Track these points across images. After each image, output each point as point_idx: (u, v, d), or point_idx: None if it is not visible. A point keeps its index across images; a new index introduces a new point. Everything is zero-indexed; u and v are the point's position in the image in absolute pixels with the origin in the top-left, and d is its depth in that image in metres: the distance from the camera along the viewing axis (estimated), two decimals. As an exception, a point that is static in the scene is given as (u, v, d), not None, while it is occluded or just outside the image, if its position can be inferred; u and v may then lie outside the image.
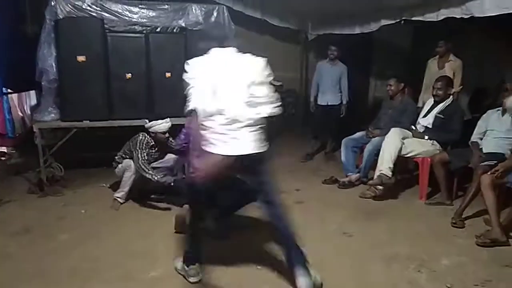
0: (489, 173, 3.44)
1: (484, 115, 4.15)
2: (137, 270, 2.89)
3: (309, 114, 6.44)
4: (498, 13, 3.58)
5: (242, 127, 2.49)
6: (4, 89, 5.66)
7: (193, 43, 4.74)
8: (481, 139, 4.07)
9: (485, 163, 3.68)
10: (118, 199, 4.00)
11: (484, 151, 3.91)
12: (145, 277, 2.82)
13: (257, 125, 2.54)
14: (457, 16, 3.98)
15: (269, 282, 2.76)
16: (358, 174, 4.78)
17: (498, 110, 3.98)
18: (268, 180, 2.67)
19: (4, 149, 5.63)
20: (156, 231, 3.50)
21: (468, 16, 3.85)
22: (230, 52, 2.59)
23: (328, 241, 3.40)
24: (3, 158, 5.42)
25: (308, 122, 7.63)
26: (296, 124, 7.71)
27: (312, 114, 6.16)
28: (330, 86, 5.80)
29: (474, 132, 4.15)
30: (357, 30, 5.73)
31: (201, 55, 2.56)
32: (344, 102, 5.86)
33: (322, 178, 4.97)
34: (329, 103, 5.83)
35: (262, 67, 2.56)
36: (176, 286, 2.71)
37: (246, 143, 2.50)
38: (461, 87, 5.01)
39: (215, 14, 5.07)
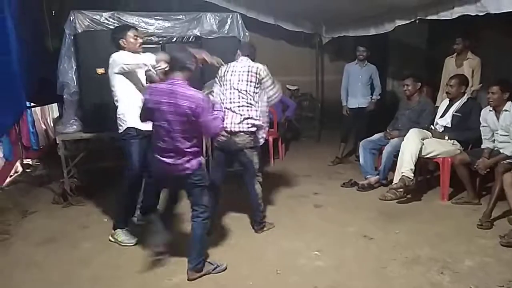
0: (511, 171, 3.37)
1: (480, 118, 4.09)
2: (158, 277, 2.94)
3: (327, 117, 6.35)
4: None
5: None
6: (27, 103, 5.86)
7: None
8: (493, 141, 4.00)
9: (507, 161, 3.61)
10: None
11: (508, 153, 3.79)
12: (166, 284, 2.86)
13: None
14: (472, 14, 3.91)
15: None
16: (377, 176, 4.73)
17: (490, 110, 3.94)
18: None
19: (29, 161, 5.81)
20: (177, 238, 3.54)
21: (483, 13, 3.77)
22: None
23: (348, 244, 3.38)
24: (28, 170, 5.58)
25: (324, 125, 7.61)
26: (314, 128, 7.68)
27: (341, 118, 5.99)
28: (360, 88, 5.69)
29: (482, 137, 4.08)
30: (372, 31, 5.67)
31: None
32: (374, 97, 5.73)
33: (341, 181, 4.94)
34: (359, 106, 5.73)
35: None
36: (197, 292, 2.74)
37: None
38: (480, 85, 4.92)
39: (229, 22, 5.10)
